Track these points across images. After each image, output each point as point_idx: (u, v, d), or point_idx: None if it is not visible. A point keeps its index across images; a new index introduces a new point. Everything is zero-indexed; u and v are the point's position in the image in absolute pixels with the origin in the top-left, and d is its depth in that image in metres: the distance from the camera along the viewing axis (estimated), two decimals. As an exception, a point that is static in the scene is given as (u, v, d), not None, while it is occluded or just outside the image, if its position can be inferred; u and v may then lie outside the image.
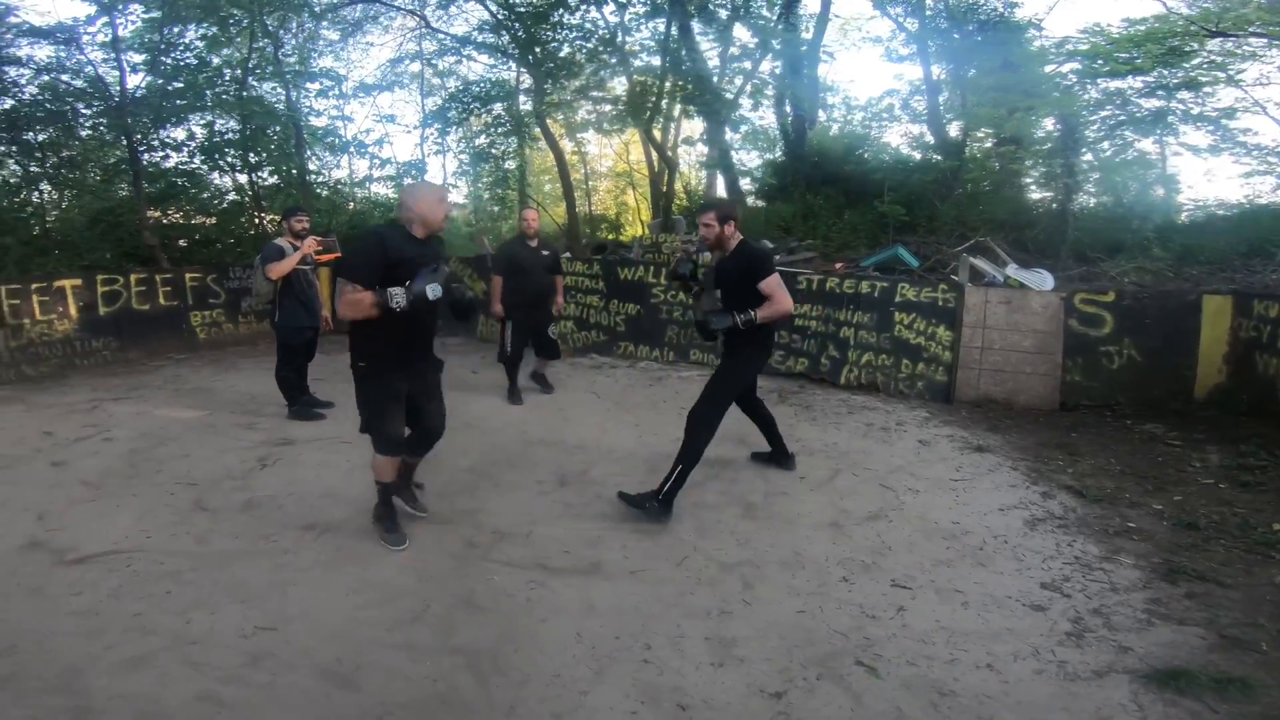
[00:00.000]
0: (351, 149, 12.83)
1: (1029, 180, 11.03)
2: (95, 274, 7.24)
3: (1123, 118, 8.72)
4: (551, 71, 11.78)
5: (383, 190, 13.70)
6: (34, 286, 6.61)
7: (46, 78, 8.75)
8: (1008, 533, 3.48)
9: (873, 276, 6.51)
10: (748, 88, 12.91)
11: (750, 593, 2.89)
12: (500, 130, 14.53)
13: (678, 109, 13.62)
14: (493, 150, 14.95)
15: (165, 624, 2.55)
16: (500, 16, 11.90)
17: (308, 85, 11.92)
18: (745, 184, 14.26)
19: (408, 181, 13.34)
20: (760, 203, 13.69)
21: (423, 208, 2.90)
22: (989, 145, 11.19)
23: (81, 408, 5.51)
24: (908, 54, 13.01)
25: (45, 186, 9.62)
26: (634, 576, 3.01)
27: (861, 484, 4.14)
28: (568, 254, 8.70)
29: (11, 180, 9.17)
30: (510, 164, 15.19)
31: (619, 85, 12.86)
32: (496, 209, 15.62)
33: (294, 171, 11.64)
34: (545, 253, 5.73)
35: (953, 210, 9.86)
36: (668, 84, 11.88)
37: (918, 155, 12.25)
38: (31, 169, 9.23)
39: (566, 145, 15.18)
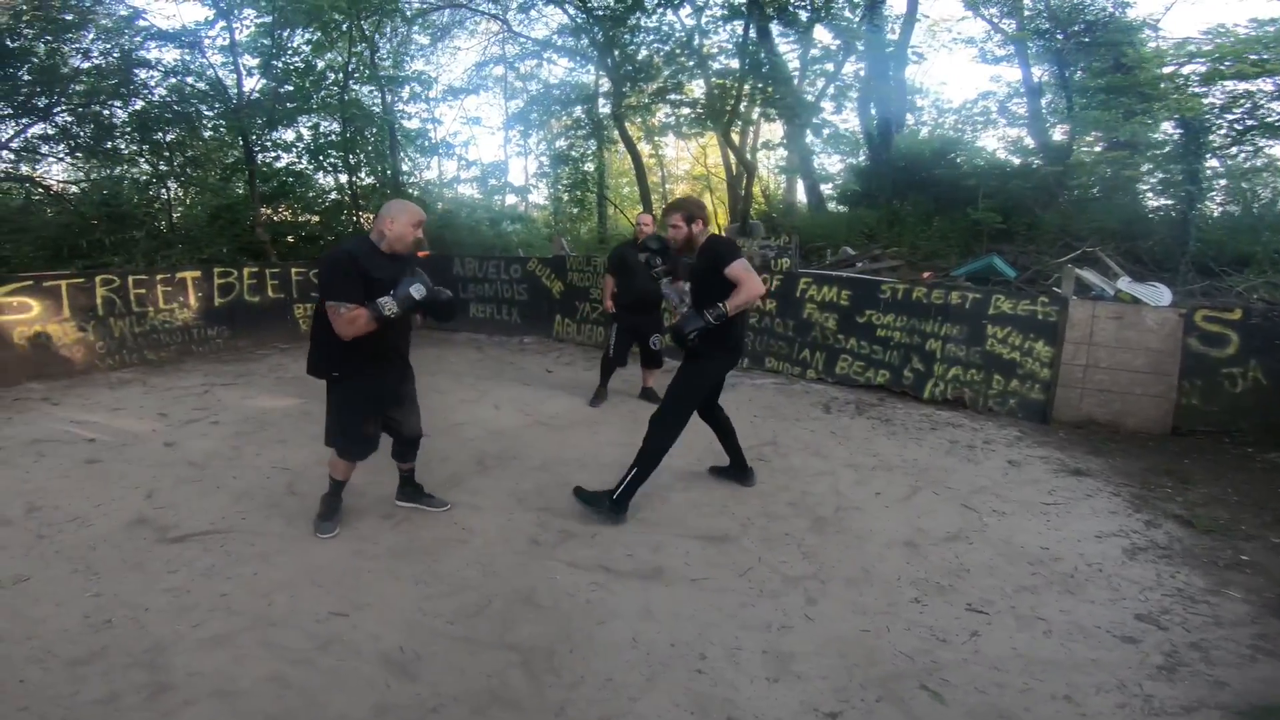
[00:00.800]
0: (440, 151, 13.34)
1: (1143, 187, 10.27)
2: (213, 267, 7.81)
3: (1252, 122, 7.96)
4: (630, 74, 11.86)
5: (468, 191, 14.22)
6: (159, 277, 7.21)
7: (173, 80, 9.51)
8: (1103, 561, 3.26)
9: (964, 287, 6.19)
10: (830, 90, 12.60)
11: (813, 608, 2.82)
12: (580, 133, 14.80)
13: (756, 112, 13.47)
14: (572, 153, 15.24)
15: (249, 605, 2.71)
16: (579, 20, 12.11)
17: (400, 89, 12.48)
18: (826, 189, 13.98)
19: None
20: (842, 208, 13.36)
21: (395, 228, 2.91)
22: (1098, 150, 10.50)
23: (195, 391, 5.96)
24: (1004, 55, 12.43)
25: (172, 184, 10.45)
26: (695, 584, 2.98)
27: (942, 503, 3.95)
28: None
29: (142, 178, 10.01)
30: (589, 166, 15.43)
31: (696, 88, 12.86)
32: (575, 210, 15.89)
33: (388, 172, 12.23)
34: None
35: (1056, 218, 9.30)
36: (747, 87, 11.74)
37: (1016, 160, 11.62)
38: (160, 168, 10.05)
39: (644, 148, 15.28)
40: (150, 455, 4.33)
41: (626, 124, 13.07)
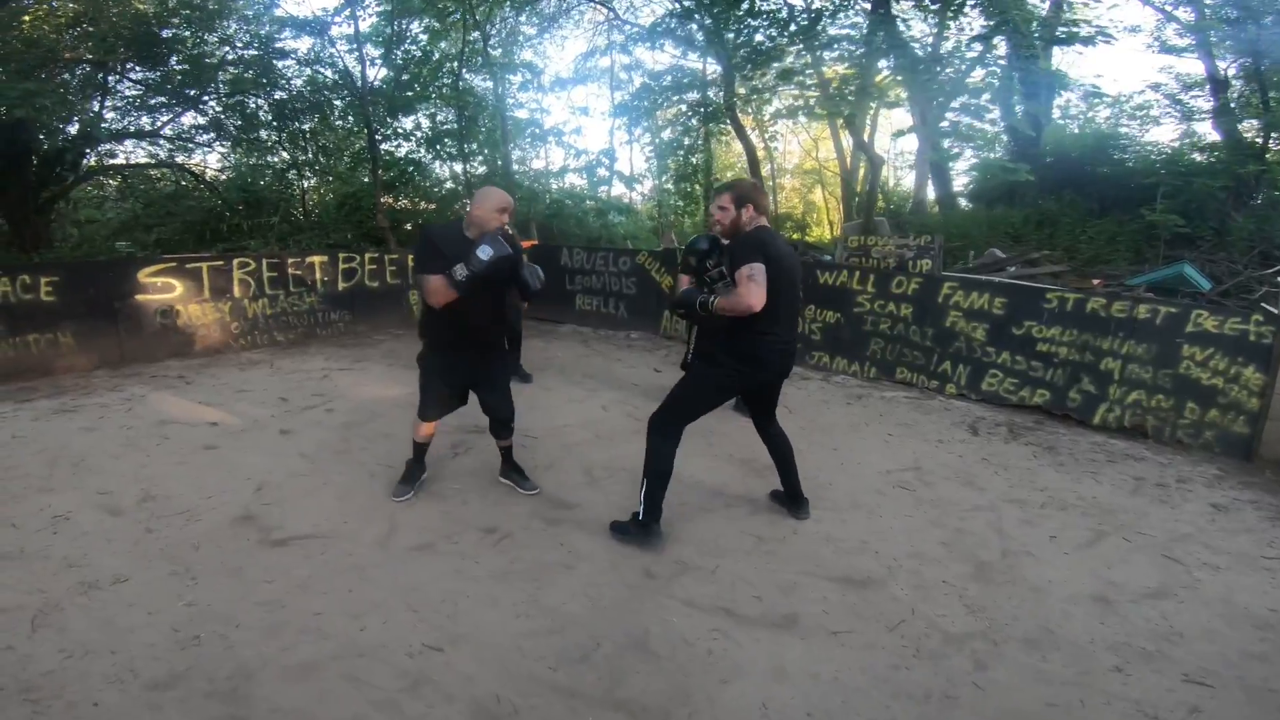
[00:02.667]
0: (551, 138, 13.25)
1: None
2: (339, 252, 7.99)
3: None
4: (751, 57, 11.17)
5: (577, 180, 14.07)
6: (290, 261, 7.42)
7: (308, 71, 9.90)
8: (1347, 628, 2.63)
9: (1152, 299, 5.28)
10: (975, 74, 11.40)
11: (984, 674, 2.34)
12: (691, 120, 14.27)
13: (888, 95, 12.45)
14: (685, 139, 14.74)
15: (340, 628, 2.48)
16: (688, 4, 11.60)
17: (510, 78, 12.47)
18: (957, 185, 12.83)
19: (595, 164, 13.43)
20: (966, 205, 12.24)
21: (478, 213, 3.01)
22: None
23: (315, 376, 6.02)
24: (1183, 45, 10.88)
25: (306, 172, 10.89)
26: (836, 638, 2.54)
27: (1135, 551, 3.29)
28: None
29: (279, 166, 10.47)
30: (696, 157, 14.92)
31: (815, 74, 12.01)
32: (680, 204, 15.42)
33: (500, 161, 12.27)
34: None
35: (1250, 223, 7.99)
36: (880, 72, 10.79)
37: (1198, 157, 10.15)
38: (296, 156, 10.49)
39: (756, 138, 14.58)
40: (266, 443, 4.30)
41: (739, 113, 12.44)
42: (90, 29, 8.01)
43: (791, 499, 3.54)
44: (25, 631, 2.38)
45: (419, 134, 10.95)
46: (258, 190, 9.23)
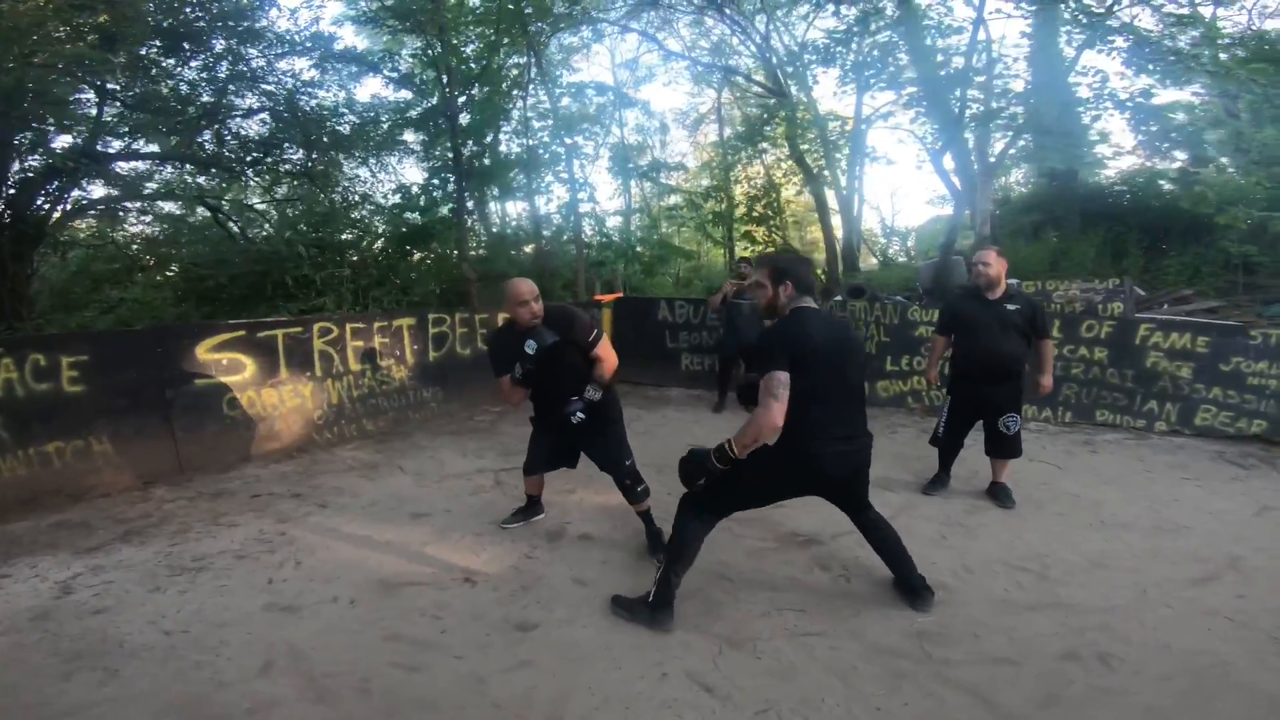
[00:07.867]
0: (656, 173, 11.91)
1: None
2: (427, 313, 6.42)
3: None
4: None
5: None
6: (376, 325, 5.86)
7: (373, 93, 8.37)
8: None
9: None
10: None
11: None
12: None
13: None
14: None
15: None
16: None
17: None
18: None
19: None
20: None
21: (508, 308, 3.26)
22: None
23: (483, 482, 4.47)
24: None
25: (368, 210, 9.01)
26: None
27: None
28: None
29: (350, 200, 8.53)
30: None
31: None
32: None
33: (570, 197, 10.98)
34: (1010, 307, 4.03)
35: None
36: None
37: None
38: (359, 191, 8.61)
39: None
40: (588, 624, 2.86)
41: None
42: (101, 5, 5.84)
43: (909, 590, 2.92)
44: None
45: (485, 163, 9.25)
46: (327, 231, 7.18)
